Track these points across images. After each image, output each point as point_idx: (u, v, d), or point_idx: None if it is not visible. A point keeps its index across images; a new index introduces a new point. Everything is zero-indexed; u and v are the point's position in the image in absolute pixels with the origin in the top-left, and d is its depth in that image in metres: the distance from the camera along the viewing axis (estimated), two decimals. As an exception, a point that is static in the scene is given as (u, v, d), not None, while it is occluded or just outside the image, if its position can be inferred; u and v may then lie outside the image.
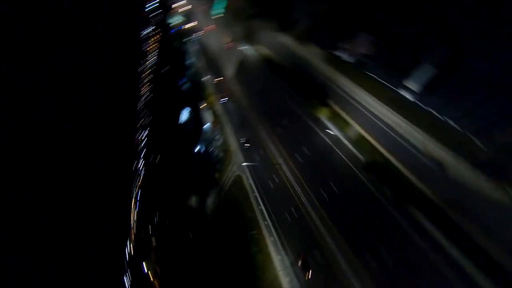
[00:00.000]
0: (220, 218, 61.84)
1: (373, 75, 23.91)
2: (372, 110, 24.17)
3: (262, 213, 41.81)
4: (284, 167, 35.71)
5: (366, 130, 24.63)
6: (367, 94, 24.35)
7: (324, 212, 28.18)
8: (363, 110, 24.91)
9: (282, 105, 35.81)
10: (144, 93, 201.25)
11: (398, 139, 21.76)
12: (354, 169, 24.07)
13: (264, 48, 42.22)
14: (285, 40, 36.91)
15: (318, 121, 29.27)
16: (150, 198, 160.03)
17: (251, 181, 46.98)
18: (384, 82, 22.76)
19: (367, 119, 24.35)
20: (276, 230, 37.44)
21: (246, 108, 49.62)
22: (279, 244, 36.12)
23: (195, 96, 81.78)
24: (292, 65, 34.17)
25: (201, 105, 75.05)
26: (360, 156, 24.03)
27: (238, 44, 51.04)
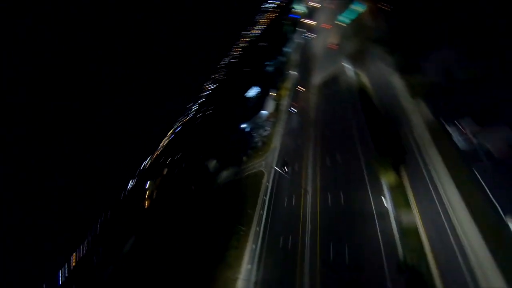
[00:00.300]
0: (223, 194, 63.65)
1: (481, 180, 18.58)
2: (451, 214, 19.12)
3: (260, 219, 40.78)
4: (309, 198, 33.08)
5: (426, 228, 19.83)
6: (458, 195, 19.20)
7: (319, 267, 25.19)
8: (439, 207, 19.95)
9: (348, 142, 32.30)
10: (233, 55, 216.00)
11: (462, 263, 16.77)
12: (384, 256, 20.08)
13: (367, 77, 38.15)
14: (396, 82, 32.23)
15: (375, 181, 25.24)
16: (182, 138, 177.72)
17: (269, 184, 45.89)
18: (491, 196, 17.39)
19: (437, 218, 19.46)
20: (262, 243, 36.09)
21: (310, 121, 47.21)
22: (257, 256, 34.86)
23: (271, 81, 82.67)
24: (386, 111, 29.85)
25: (272, 93, 75.53)
26: (400, 248, 19.78)
27: (343, 54, 47.71)
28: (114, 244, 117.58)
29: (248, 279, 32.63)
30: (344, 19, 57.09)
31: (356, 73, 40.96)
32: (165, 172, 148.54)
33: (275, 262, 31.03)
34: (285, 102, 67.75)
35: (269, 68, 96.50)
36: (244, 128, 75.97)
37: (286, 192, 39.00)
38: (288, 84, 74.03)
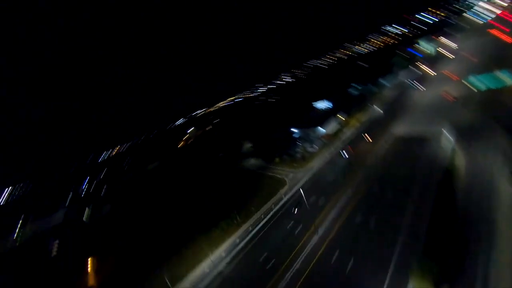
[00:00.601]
0: (240, 176, 64.61)
1: None
2: None
3: (257, 221, 39.72)
4: (315, 239, 29.81)
5: None
6: None
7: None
8: None
9: (395, 216, 26.70)
10: (324, 60, 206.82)
11: None
12: None
13: (466, 163, 29.86)
14: (507, 190, 23.99)
15: (402, 278, 20.26)
16: (237, 109, 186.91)
17: (285, 197, 43.67)
18: None
19: None
20: (246, 244, 35.29)
21: (364, 167, 41.27)
22: (234, 251, 34.46)
23: (348, 104, 75.58)
24: (469, 216, 22.92)
25: (341, 116, 69.30)
26: None
27: (451, 119, 38.42)
28: (143, 159, 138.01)
29: (216, 265, 32.82)
30: (480, 83, 45.25)
31: (454, 151, 32.62)
32: (207, 128, 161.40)
33: (248, 270, 29.96)
34: (348, 132, 61.30)
35: (354, 91, 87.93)
36: (293, 133, 73.24)
37: (296, 217, 36.19)
38: (363, 117, 66.21)
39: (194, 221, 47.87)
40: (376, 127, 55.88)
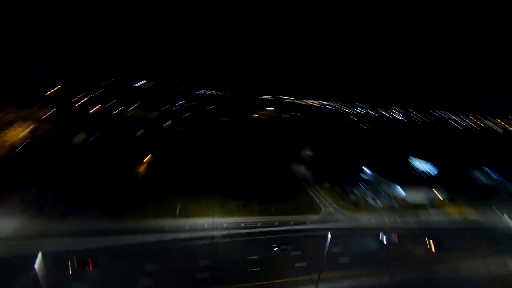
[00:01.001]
0: (278, 174, 62.01)
1: None
2: None
3: (268, 224, 37.82)
4: (312, 281, 25.17)
5: None
6: None
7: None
8: None
9: None
10: (463, 120, 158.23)
11: None
12: None
13: None
14: None
15: None
16: (329, 116, 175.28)
17: (309, 225, 39.08)
18: None
19: None
20: (246, 234, 34.60)
21: (413, 273, 29.73)
22: (234, 231, 34.53)
23: (460, 186, 55.27)
24: None
25: (439, 193, 51.66)
26: None
27: None
28: (223, 110, 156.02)
29: (213, 229, 33.96)
30: None
31: None
32: (283, 115, 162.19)
33: (231, 257, 29.60)
34: (435, 218, 45.41)
35: (481, 177, 62.58)
36: (365, 172, 61.79)
37: (305, 253, 31.41)
38: (472, 215, 46.78)
39: (222, 182, 50.71)
40: (484, 239, 38.35)
